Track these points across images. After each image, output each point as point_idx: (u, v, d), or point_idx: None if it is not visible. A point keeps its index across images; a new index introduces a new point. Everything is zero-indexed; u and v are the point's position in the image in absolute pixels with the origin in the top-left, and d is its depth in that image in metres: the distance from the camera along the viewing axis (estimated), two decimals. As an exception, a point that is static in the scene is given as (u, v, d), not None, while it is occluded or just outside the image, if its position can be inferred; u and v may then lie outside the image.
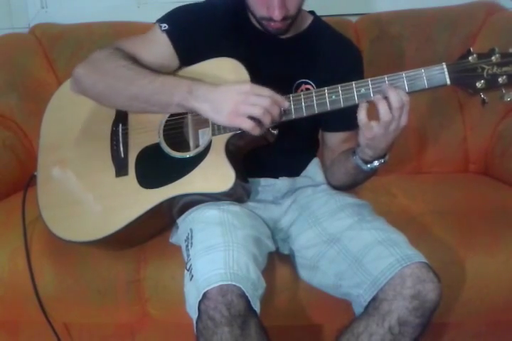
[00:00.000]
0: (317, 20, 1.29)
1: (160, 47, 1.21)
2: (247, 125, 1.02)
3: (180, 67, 1.23)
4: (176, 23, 1.21)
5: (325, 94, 1.05)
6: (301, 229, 1.21)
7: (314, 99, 1.06)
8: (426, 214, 1.37)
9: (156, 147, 1.20)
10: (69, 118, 1.30)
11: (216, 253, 1.01)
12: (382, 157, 1.12)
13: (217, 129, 1.14)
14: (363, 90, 1.03)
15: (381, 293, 1.01)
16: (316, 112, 1.06)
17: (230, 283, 0.95)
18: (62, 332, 1.36)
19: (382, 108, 1.00)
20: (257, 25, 1.21)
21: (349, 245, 1.10)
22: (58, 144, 1.29)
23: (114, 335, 1.37)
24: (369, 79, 1.03)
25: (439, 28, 1.77)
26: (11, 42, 1.85)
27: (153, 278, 1.26)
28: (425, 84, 1.01)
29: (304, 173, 1.31)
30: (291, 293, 1.22)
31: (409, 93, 1.01)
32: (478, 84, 0.98)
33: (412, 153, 1.77)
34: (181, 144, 1.20)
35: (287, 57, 1.24)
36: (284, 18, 1.12)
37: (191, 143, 1.18)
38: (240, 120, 1.02)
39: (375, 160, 1.12)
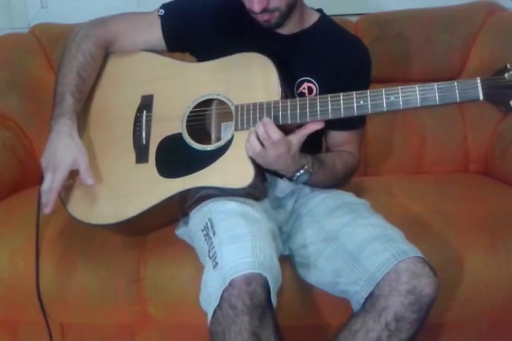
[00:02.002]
0: (324, 18, 1.27)
1: (151, 31, 1.25)
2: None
3: (206, 60, 1.23)
4: (174, 13, 1.24)
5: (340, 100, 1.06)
6: (299, 227, 1.21)
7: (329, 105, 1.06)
8: (426, 213, 1.37)
9: (178, 137, 1.19)
10: (95, 99, 1.29)
11: (243, 242, 1.01)
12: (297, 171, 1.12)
13: (241, 125, 1.13)
14: (393, 98, 1.03)
15: (377, 289, 1.01)
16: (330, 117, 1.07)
17: (257, 271, 0.95)
18: (61, 333, 1.36)
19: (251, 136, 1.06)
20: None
21: (346, 242, 1.10)
22: (82, 124, 1.27)
23: (114, 335, 1.37)
24: (399, 87, 1.03)
25: (439, 28, 1.77)
26: (11, 42, 1.85)
27: (153, 278, 1.26)
28: (457, 97, 1.00)
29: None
30: (291, 293, 1.22)
31: (439, 105, 1.01)
32: None
33: (412, 153, 1.77)
34: (203, 136, 1.20)
35: (289, 53, 1.22)
36: (266, 10, 1.11)
37: (213, 136, 1.18)
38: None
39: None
